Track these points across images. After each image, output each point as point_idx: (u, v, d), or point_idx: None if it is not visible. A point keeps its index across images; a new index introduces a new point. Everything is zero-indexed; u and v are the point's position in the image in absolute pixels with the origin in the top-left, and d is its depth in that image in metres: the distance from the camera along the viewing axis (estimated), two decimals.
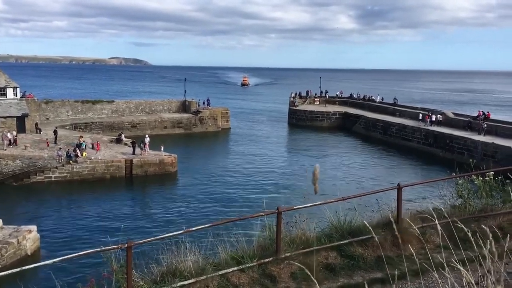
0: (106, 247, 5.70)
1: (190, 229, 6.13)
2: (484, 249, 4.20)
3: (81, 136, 44.90)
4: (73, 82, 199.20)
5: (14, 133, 45.20)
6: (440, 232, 6.59)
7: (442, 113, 58.65)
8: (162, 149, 44.54)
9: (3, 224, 24.88)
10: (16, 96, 53.82)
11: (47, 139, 45.51)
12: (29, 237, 24.46)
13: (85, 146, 43.15)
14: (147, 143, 44.60)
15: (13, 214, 30.09)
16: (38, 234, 25.62)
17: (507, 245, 4.38)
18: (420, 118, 58.90)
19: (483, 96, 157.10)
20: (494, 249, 4.02)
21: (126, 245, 5.49)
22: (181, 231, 6.05)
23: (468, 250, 5.09)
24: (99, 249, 5.71)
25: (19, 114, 51.19)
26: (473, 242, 3.80)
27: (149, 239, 5.99)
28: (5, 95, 52.60)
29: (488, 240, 3.53)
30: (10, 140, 42.82)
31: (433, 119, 56.29)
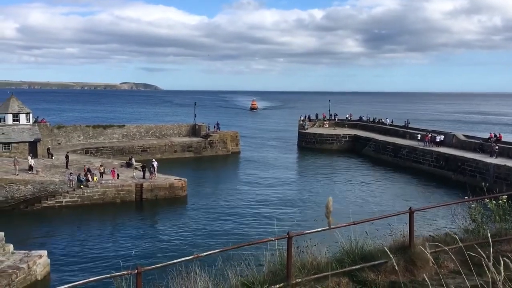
0: (116, 273, 5.67)
1: (200, 255, 6.09)
2: (499, 274, 4.12)
3: (101, 165, 44.88)
4: (85, 107, 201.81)
5: (33, 159, 45.08)
6: (454, 257, 6.49)
7: (453, 135, 58.39)
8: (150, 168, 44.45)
9: (14, 249, 24.91)
10: (29, 122, 54.61)
11: (88, 167, 43.94)
12: (40, 262, 24.44)
13: (106, 170, 43.67)
14: (156, 167, 44.74)
15: (24, 239, 30.15)
16: (49, 259, 25.59)
17: None
18: (419, 138, 59.30)
19: (493, 118, 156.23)
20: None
21: (136, 270, 5.46)
22: (191, 257, 6.01)
23: (483, 276, 5.00)
24: (109, 275, 5.68)
25: (32, 139, 51.82)
26: (487, 268, 3.73)
27: (159, 265, 5.95)
28: (18, 120, 53.41)
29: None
30: (30, 166, 42.98)
31: (437, 139, 56.50)
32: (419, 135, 60.59)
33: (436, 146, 56.04)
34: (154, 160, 47.41)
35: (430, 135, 58.67)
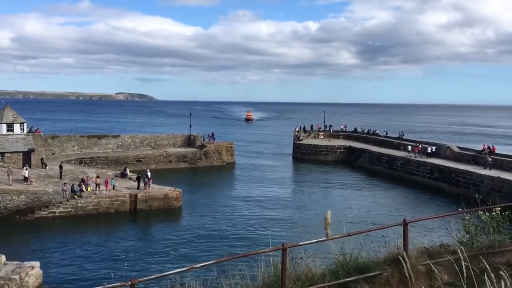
0: (109, 285, 5.63)
1: (194, 266, 6.07)
2: (494, 286, 4.15)
3: (97, 176, 44.50)
4: (79, 117, 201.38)
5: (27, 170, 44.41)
6: (448, 268, 6.51)
7: (447, 147, 58.70)
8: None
9: (6, 260, 24.65)
10: (23, 131, 54.38)
11: (83, 178, 43.71)
12: (32, 273, 24.18)
13: (114, 183, 43.37)
14: (149, 177, 44.55)
15: (16, 249, 29.85)
16: (41, 271, 25.34)
17: None
18: (410, 149, 60.06)
19: (486, 129, 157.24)
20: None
21: (130, 282, 5.43)
22: (185, 268, 5.99)
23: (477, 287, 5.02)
24: (102, 287, 5.65)
25: (26, 149, 51.58)
26: (486, 279, 3.75)
27: (152, 277, 5.93)
28: (12, 130, 53.20)
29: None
30: (25, 178, 42.23)
31: (428, 151, 57.54)
32: (410, 146, 61.40)
33: (427, 157, 56.59)
34: (148, 170, 47.29)
35: (420, 146, 59.50)
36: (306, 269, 6.99)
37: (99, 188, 42.09)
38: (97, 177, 44.27)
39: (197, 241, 32.98)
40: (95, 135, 70.45)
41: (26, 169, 43.69)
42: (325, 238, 6.99)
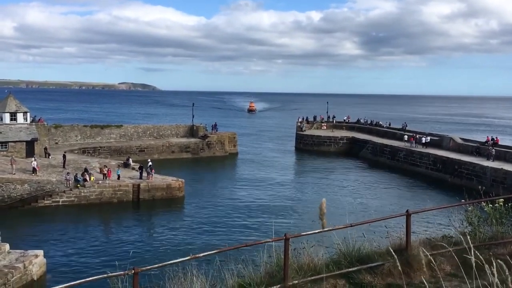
0: (113, 273, 5.66)
1: (197, 255, 6.09)
2: (496, 277, 4.15)
3: (105, 166, 44.48)
4: (82, 107, 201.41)
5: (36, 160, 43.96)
6: (450, 259, 6.51)
7: (450, 138, 58.56)
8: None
9: (10, 248, 24.83)
10: (26, 121, 54.48)
11: (86, 167, 44.00)
12: (36, 262, 24.36)
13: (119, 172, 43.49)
14: (150, 167, 44.62)
15: (20, 238, 30.06)
16: (45, 259, 25.52)
17: None
18: (406, 139, 60.41)
19: (490, 121, 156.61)
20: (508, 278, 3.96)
21: (133, 271, 5.45)
22: (188, 257, 6.00)
23: (480, 279, 5.01)
24: (105, 275, 5.67)
25: (29, 139, 51.70)
26: (487, 270, 3.75)
27: (156, 265, 5.94)
28: (15, 119, 53.30)
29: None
30: (34, 169, 42.12)
31: (423, 141, 58.64)
32: (406, 136, 62.02)
33: (422, 147, 57.03)
34: (149, 160, 47.29)
35: (417, 136, 60.16)
36: (308, 259, 6.99)
37: (104, 178, 42.10)
38: (105, 166, 44.26)
39: (200, 231, 33.13)
40: (98, 125, 70.55)
41: (35, 160, 43.69)
42: (327, 229, 6.99)
